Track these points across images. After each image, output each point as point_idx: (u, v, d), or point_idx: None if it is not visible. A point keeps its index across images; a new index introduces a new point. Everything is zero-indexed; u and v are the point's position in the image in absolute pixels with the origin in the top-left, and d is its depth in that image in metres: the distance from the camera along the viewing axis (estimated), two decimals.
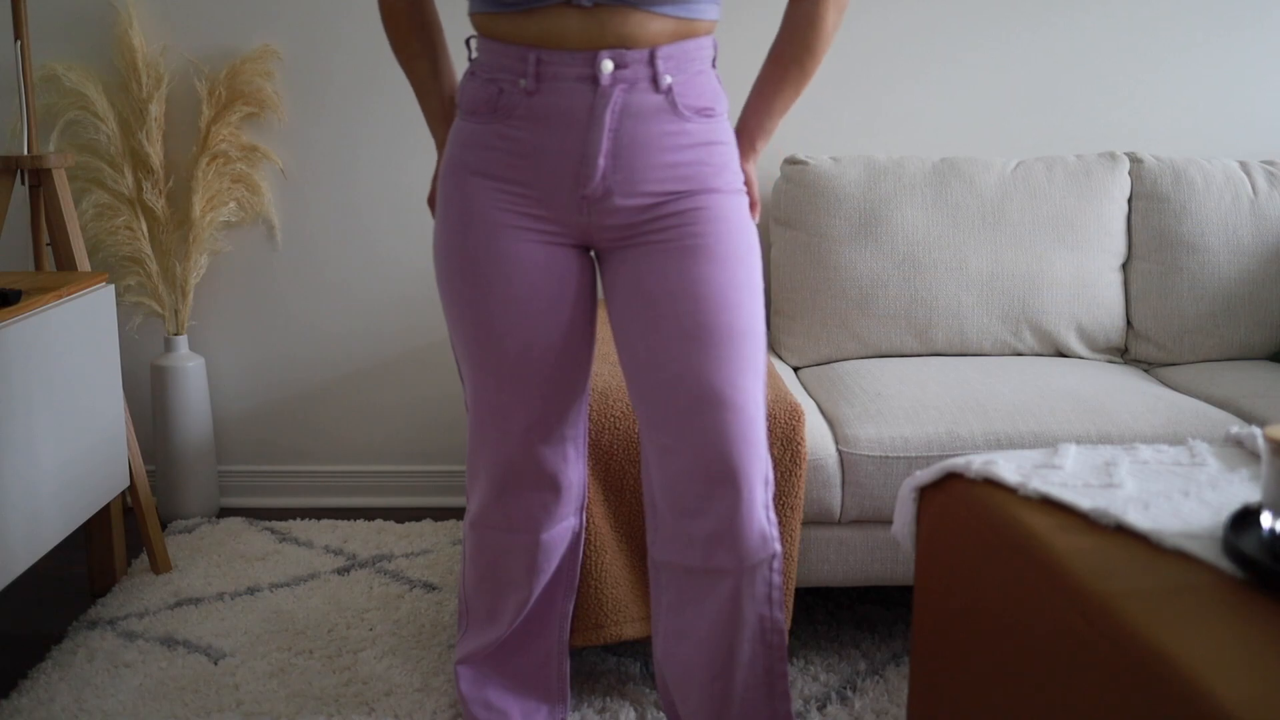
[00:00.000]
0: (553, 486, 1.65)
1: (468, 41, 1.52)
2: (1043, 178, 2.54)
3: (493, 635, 1.77)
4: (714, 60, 1.52)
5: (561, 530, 1.71)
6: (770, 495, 1.56)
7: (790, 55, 1.56)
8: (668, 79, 1.43)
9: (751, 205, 1.59)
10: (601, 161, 1.44)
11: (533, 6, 1.40)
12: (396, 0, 1.58)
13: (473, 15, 1.48)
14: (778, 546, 1.56)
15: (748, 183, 1.59)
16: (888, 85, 2.78)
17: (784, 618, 1.60)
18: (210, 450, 2.84)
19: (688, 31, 1.45)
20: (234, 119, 2.70)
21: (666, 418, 1.51)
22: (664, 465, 1.53)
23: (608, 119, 1.42)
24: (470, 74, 1.51)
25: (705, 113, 1.48)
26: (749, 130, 1.61)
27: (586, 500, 1.78)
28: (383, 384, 2.91)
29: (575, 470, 1.68)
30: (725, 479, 1.50)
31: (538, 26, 1.41)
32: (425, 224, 2.83)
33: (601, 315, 2.41)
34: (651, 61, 1.42)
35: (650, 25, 1.41)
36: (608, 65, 1.40)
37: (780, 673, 1.61)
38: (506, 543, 1.69)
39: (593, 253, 1.58)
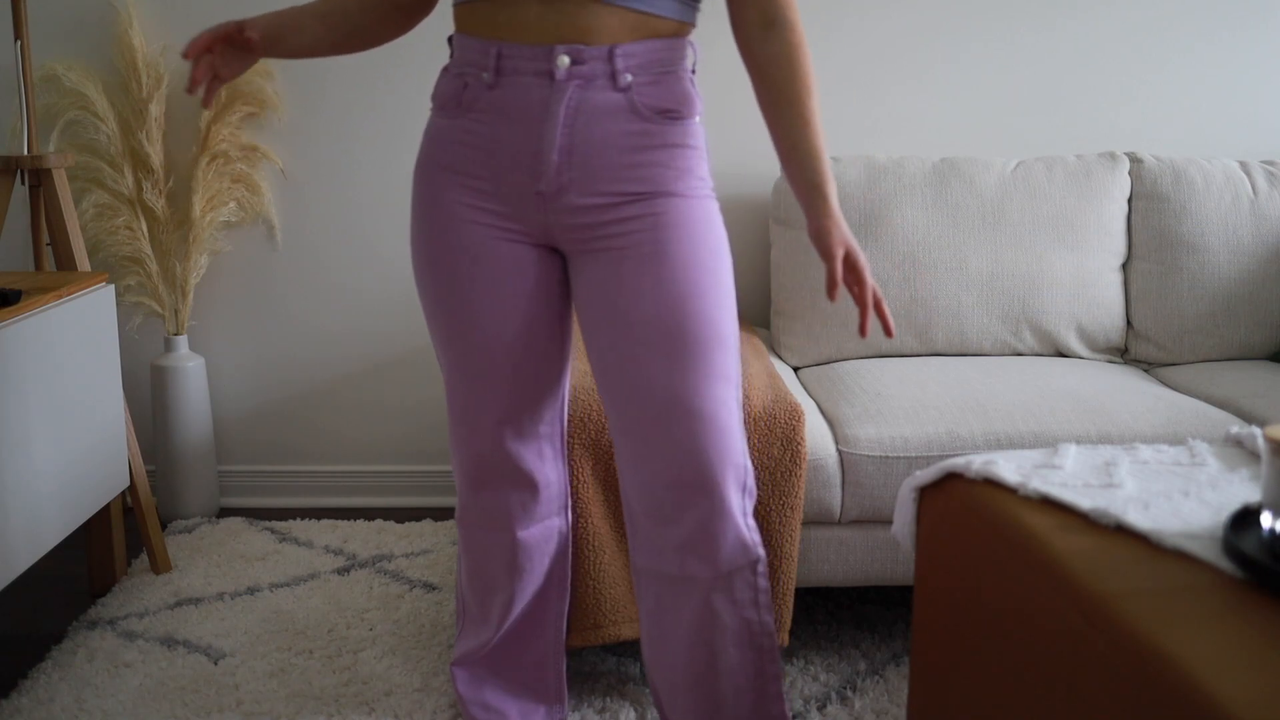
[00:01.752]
0: (528, 484, 1.65)
1: (449, 39, 1.53)
2: (1043, 178, 2.54)
3: (485, 635, 1.78)
4: (692, 66, 1.50)
5: (544, 530, 1.71)
6: (750, 503, 1.54)
7: (774, 95, 1.50)
8: (627, 78, 1.42)
9: (854, 281, 1.47)
10: (555, 157, 1.43)
11: None
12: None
13: (454, 6, 1.50)
14: (760, 552, 1.55)
15: (828, 255, 1.47)
16: (888, 85, 2.78)
17: (773, 620, 1.59)
18: (210, 450, 2.84)
19: (650, 30, 1.44)
20: (234, 119, 2.70)
21: (636, 426, 1.50)
22: (637, 472, 1.53)
23: (562, 114, 1.42)
24: (444, 70, 1.53)
25: (670, 115, 1.46)
26: (794, 184, 1.51)
27: (570, 500, 1.78)
28: (383, 384, 2.91)
29: (553, 469, 1.67)
30: (697, 488, 1.49)
31: (502, 18, 1.42)
32: None
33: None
34: (610, 59, 1.41)
35: (608, 19, 1.40)
36: (564, 60, 1.40)
37: (773, 674, 1.60)
38: (486, 540, 1.69)
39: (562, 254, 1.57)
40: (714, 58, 2.52)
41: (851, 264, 1.47)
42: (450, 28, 2.59)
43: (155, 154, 2.68)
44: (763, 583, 1.56)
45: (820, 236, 1.48)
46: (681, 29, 1.48)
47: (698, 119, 1.51)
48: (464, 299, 1.53)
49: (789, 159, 1.50)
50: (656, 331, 1.46)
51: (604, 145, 1.43)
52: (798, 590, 2.34)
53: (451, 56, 1.52)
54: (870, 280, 1.47)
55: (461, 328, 1.54)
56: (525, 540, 1.69)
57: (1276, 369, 2.39)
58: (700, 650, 1.58)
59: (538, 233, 1.51)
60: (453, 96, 1.49)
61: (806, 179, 1.49)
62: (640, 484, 1.53)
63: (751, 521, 1.54)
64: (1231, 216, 2.51)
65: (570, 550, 1.82)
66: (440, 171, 1.52)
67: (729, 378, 1.50)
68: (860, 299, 1.47)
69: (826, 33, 2.74)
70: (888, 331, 1.46)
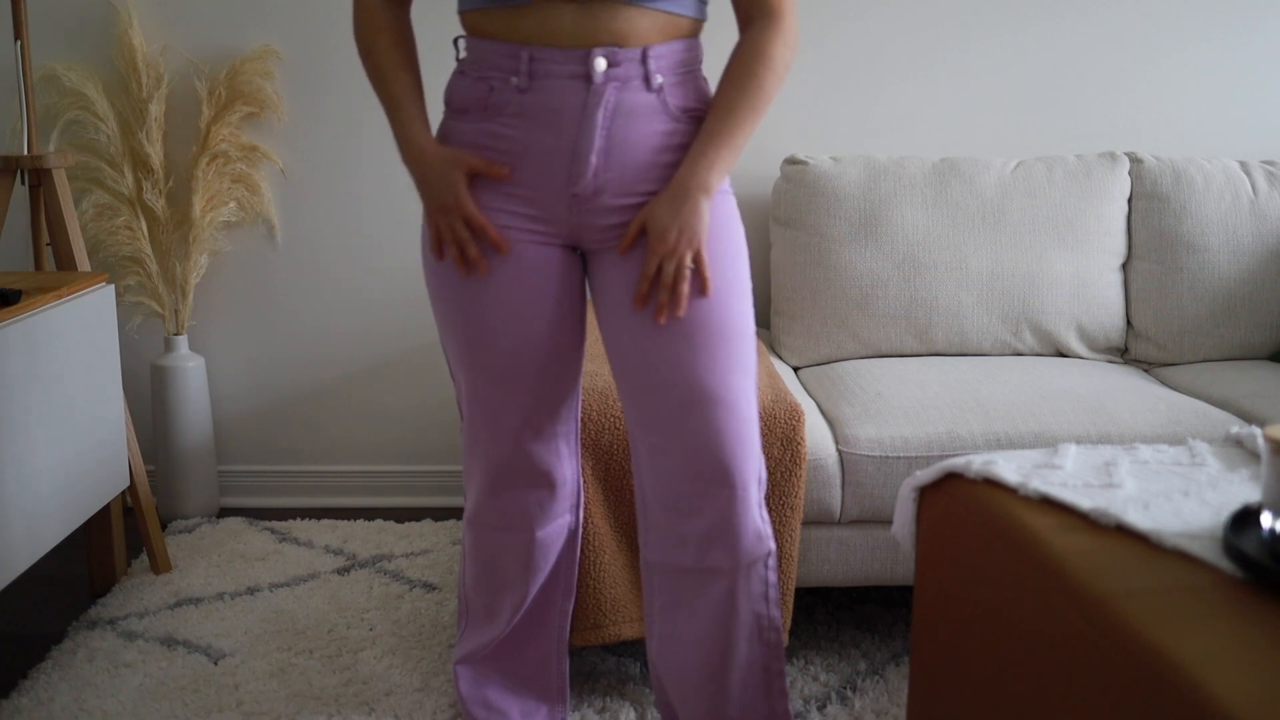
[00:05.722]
0: (547, 484, 1.65)
1: (455, 41, 1.52)
2: (1043, 178, 2.54)
3: (492, 634, 1.78)
4: (700, 62, 1.52)
5: (557, 528, 1.71)
6: (764, 494, 1.57)
7: (733, 75, 1.49)
8: (659, 78, 1.45)
9: (693, 262, 1.44)
10: (594, 159, 1.44)
11: (526, 2, 1.40)
12: (379, 13, 1.54)
13: (463, 14, 1.49)
14: (772, 544, 1.57)
15: (662, 228, 1.43)
16: (888, 85, 2.78)
17: (780, 616, 1.60)
18: (210, 450, 2.84)
19: (675, 30, 1.46)
20: (234, 119, 2.70)
21: (658, 418, 1.51)
22: (656, 465, 1.54)
23: (600, 117, 1.43)
24: (459, 73, 1.51)
25: (694, 113, 1.49)
26: (690, 157, 1.45)
27: (582, 498, 1.78)
28: (383, 384, 2.91)
29: (569, 467, 1.68)
30: (719, 478, 1.50)
31: (531, 23, 1.42)
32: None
33: (592, 315, 2.41)
34: (644, 60, 1.43)
35: (641, 22, 1.42)
36: (601, 63, 1.41)
37: (778, 671, 1.62)
38: (502, 541, 1.69)
39: (580, 253, 1.58)
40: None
41: (671, 248, 1.44)
42: (449, 29, 2.60)
43: (155, 154, 2.68)
44: (772, 577, 1.58)
45: (673, 198, 1.44)
46: (698, 27, 1.51)
47: None
48: (490, 304, 1.52)
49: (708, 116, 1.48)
50: (681, 322, 1.47)
51: (639, 146, 1.45)
52: (798, 590, 2.34)
53: (460, 59, 1.51)
54: (684, 258, 1.44)
55: (486, 333, 1.53)
56: (542, 539, 1.70)
57: (1276, 369, 2.39)
58: (715, 644, 1.59)
59: (565, 233, 1.51)
60: (476, 100, 1.47)
61: (700, 138, 1.47)
62: (660, 477, 1.54)
63: (765, 513, 1.57)
64: (1231, 216, 2.51)
65: (577, 548, 1.82)
66: None
67: (748, 369, 1.53)
68: (655, 273, 1.46)
69: (826, 32, 2.74)
70: (658, 314, 1.47)
